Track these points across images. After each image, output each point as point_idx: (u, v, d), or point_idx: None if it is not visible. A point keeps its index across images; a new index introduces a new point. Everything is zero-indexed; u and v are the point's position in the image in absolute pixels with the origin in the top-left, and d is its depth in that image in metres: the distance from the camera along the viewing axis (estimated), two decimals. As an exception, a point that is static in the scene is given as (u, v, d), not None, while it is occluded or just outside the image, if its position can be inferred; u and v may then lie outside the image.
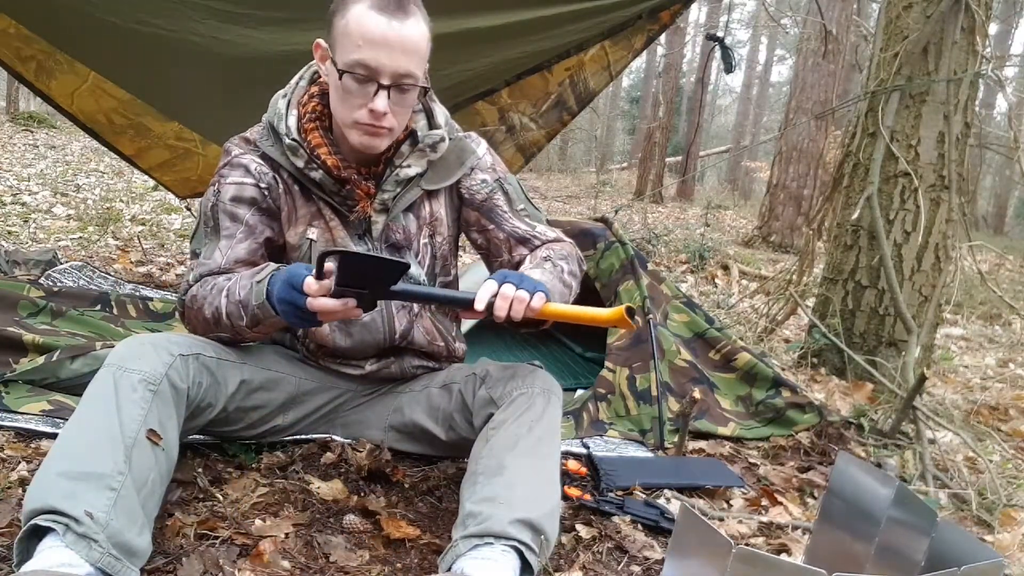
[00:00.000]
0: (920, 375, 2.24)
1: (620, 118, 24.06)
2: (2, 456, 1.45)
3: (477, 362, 1.63)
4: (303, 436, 1.62)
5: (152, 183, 4.25)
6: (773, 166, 9.42)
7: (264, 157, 1.43)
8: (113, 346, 1.34)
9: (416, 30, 1.29)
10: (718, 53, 2.99)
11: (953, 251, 2.87)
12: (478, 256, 1.63)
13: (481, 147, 1.55)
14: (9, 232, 4.07)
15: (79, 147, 9.47)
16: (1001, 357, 4.14)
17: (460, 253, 1.86)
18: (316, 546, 1.29)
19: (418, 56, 1.31)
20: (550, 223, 1.61)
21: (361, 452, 1.55)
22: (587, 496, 1.61)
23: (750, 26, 24.86)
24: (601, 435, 2.04)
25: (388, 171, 1.44)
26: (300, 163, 1.39)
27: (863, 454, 2.19)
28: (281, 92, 1.45)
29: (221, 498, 1.39)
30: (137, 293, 2.77)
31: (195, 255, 1.45)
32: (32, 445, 1.52)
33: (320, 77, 1.42)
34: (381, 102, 1.30)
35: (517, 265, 1.49)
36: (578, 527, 1.48)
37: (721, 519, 1.64)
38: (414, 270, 1.51)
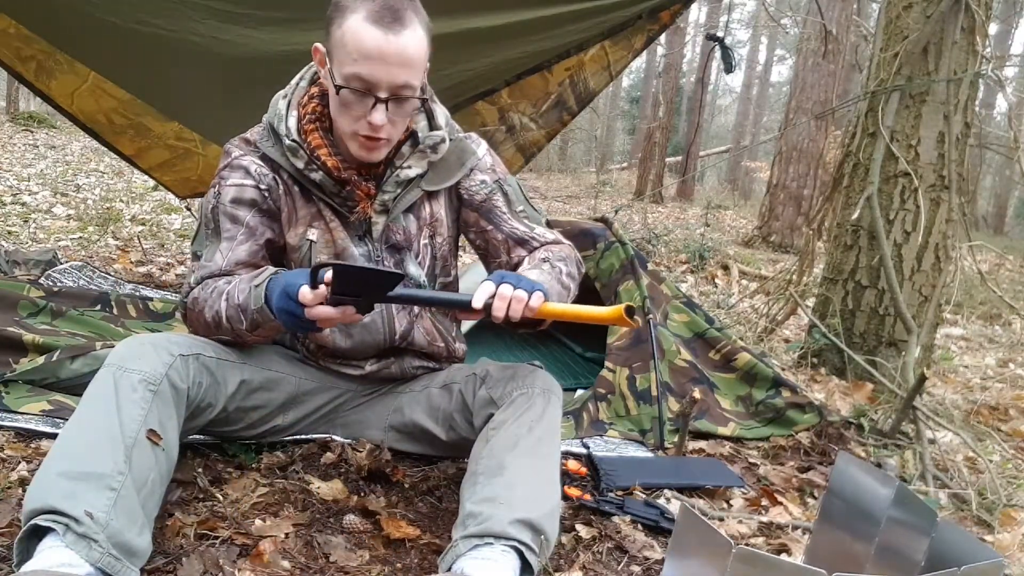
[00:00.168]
0: (920, 375, 2.24)
1: (620, 118, 24.06)
2: (2, 456, 1.45)
3: (477, 362, 1.63)
4: (303, 436, 1.62)
5: (152, 183, 4.25)
6: (773, 166, 9.42)
7: (264, 158, 1.43)
8: (113, 346, 1.34)
9: (413, 40, 1.27)
10: (718, 53, 2.99)
11: (953, 251, 2.87)
12: (478, 256, 1.63)
13: (481, 148, 1.54)
14: (9, 232, 4.07)
15: (79, 147, 9.48)
16: (1001, 357, 4.14)
17: (460, 253, 1.86)
18: (316, 546, 1.29)
19: (416, 66, 1.29)
20: (550, 223, 1.60)
21: (361, 452, 1.55)
22: (587, 496, 1.61)
23: (750, 26, 24.86)
24: (601, 435, 2.04)
25: (388, 172, 1.44)
26: (300, 164, 1.39)
27: (863, 454, 2.19)
28: (281, 92, 1.45)
29: (221, 498, 1.39)
30: (137, 293, 2.77)
31: (196, 257, 1.44)
32: (32, 445, 1.52)
33: (320, 78, 1.42)
34: (379, 116, 1.29)
35: (515, 266, 1.49)
36: (578, 527, 1.48)
37: (721, 519, 1.64)
38: (414, 271, 1.51)
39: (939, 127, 2.77)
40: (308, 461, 1.58)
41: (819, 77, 8.71)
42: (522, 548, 1.14)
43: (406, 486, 1.55)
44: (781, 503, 1.78)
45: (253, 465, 1.53)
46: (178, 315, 2.09)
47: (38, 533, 1.02)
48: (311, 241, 1.44)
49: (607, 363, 2.24)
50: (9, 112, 11.93)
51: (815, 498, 1.85)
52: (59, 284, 2.67)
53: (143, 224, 5.01)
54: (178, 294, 1.40)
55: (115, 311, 2.35)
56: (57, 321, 2.10)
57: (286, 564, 1.22)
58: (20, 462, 1.43)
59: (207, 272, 1.40)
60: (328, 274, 1.15)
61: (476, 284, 1.24)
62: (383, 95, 1.28)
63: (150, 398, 1.18)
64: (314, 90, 1.43)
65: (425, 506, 1.50)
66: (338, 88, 1.28)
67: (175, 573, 1.15)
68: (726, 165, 22.75)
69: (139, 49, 2.41)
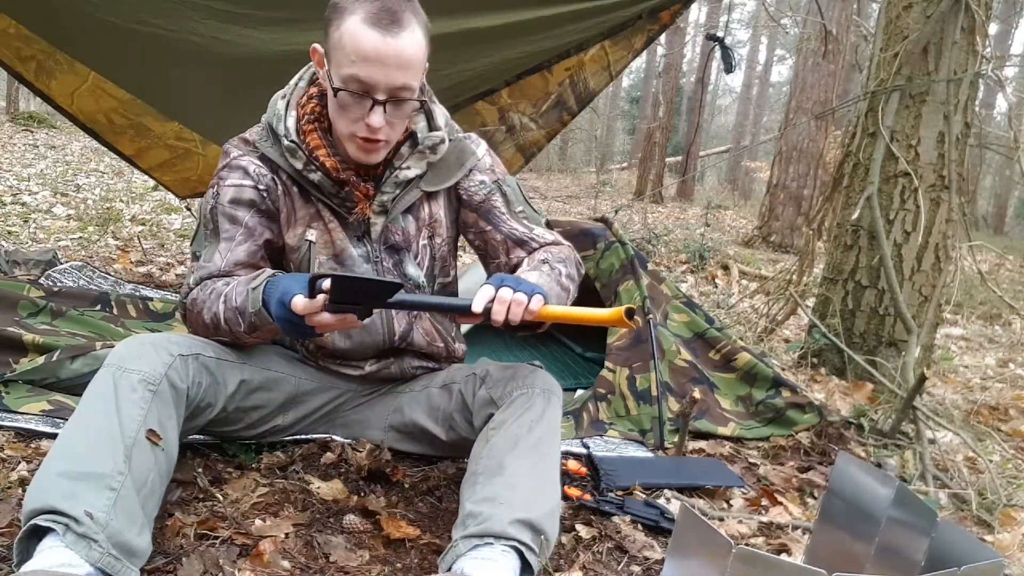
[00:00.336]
0: (920, 375, 2.24)
1: (620, 118, 24.06)
2: (2, 456, 1.45)
3: (477, 362, 1.63)
4: (303, 436, 1.62)
5: (152, 183, 4.25)
6: (773, 166, 9.42)
7: (263, 158, 1.43)
8: (113, 346, 1.34)
9: (411, 42, 1.26)
10: (718, 53, 2.99)
11: (953, 251, 2.87)
12: (477, 257, 1.63)
13: (481, 148, 1.54)
14: (9, 232, 4.07)
15: (79, 147, 9.47)
16: (1001, 357, 4.14)
17: (459, 254, 1.86)
18: (316, 546, 1.29)
19: (414, 68, 1.29)
20: (550, 223, 1.60)
21: (361, 452, 1.55)
22: (587, 496, 1.61)
23: (750, 26, 24.86)
24: (601, 435, 2.04)
25: (387, 172, 1.44)
26: (299, 165, 1.39)
27: (863, 454, 2.19)
28: (280, 93, 1.45)
29: (221, 498, 1.39)
30: (137, 293, 2.77)
31: (195, 257, 1.44)
32: (32, 445, 1.52)
33: (319, 78, 1.42)
34: (377, 118, 1.29)
35: (514, 267, 1.49)
36: (578, 527, 1.49)
37: (721, 519, 1.64)
38: (412, 271, 1.51)
39: (939, 127, 2.77)
40: (308, 461, 1.58)
41: (819, 77, 8.71)
42: (522, 548, 1.14)
43: (406, 486, 1.55)
44: (781, 503, 1.78)
45: (253, 465, 1.53)
46: (178, 315, 2.09)
47: (38, 533, 1.02)
48: (310, 241, 1.44)
49: (607, 363, 2.24)
50: (9, 112, 11.93)
51: (815, 498, 1.85)
52: (59, 284, 2.67)
53: (143, 224, 5.01)
54: (178, 294, 1.40)
55: (115, 311, 2.35)
56: (57, 321, 2.10)
57: (286, 564, 1.22)
58: (20, 462, 1.43)
59: (206, 273, 1.40)
60: (326, 283, 1.15)
61: (476, 284, 1.24)
62: (381, 97, 1.28)
63: (150, 398, 1.18)
64: (313, 90, 1.43)
65: (425, 506, 1.50)
66: (336, 90, 1.28)
67: (175, 573, 1.15)
68: (726, 165, 22.75)
69: (139, 49, 2.41)
